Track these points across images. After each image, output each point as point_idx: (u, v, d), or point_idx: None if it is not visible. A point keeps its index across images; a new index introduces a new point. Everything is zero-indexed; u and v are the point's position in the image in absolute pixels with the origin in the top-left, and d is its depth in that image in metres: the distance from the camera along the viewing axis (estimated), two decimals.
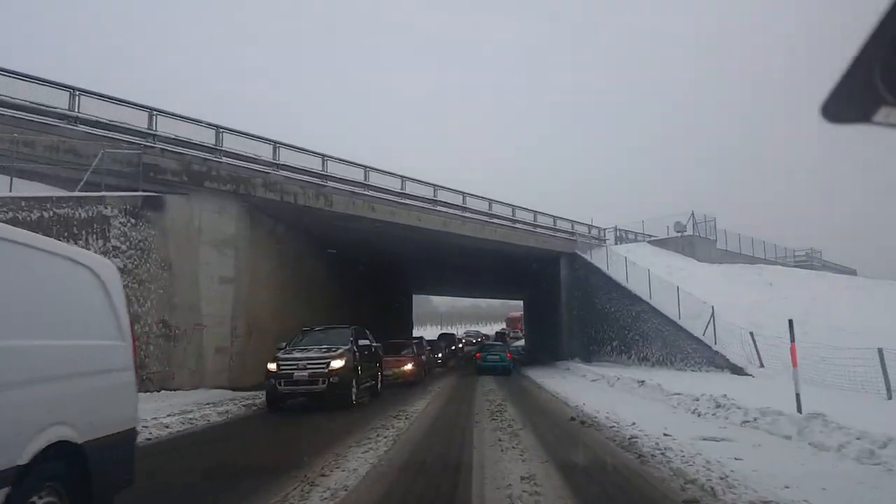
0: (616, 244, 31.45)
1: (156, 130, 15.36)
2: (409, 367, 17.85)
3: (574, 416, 10.18)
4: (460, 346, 47.41)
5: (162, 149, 15.29)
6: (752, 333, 16.50)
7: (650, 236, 34.21)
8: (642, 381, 13.65)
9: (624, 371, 19.33)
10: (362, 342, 13.25)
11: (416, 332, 46.45)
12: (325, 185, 18.95)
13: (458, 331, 75.03)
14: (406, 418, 10.13)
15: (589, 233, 31.64)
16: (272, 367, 11.81)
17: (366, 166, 20.57)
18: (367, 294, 33.41)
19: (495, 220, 25.73)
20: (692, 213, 30.84)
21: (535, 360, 34.41)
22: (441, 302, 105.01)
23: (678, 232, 31.67)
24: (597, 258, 28.11)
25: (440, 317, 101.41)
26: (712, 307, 18.40)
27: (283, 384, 11.59)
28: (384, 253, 28.19)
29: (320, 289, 24.78)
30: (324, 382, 11.52)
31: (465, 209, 24.36)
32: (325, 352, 12.05)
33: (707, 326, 18.50)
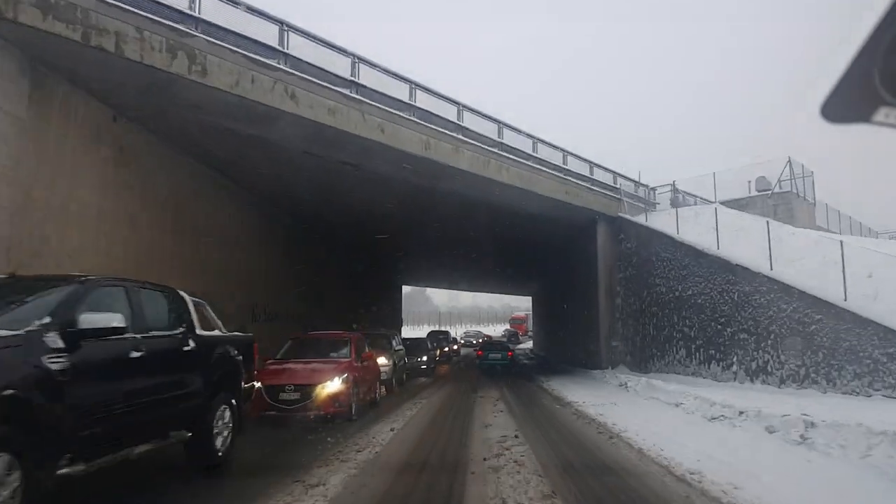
0: (672, 208, 22.23)
1: None
2: (331, 386, 8.47)
3: None
4: (455, 348, 37.34)
5: None
6: None
7: (708, 201, 24.95)
8: None
9: (752, 395, 10.31)
10: (92, 318, 4.03)
11: (408, 331, 37.57)
12: (194, 36, 9.85)
13: (458, 330, 64.85)
14: None
15: (636, 191, 22.50)
16: None
17: (283, 22, 11.48)
18: (335, 277, 24.13)
19: (507, 154, 16.58)
20: (788, 161, 21.42)
21: (555, 368, 25.21)
22: (441, 302, 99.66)
23: (760, 190, 22.53)
24: (657, 221, 19.08)
25: (439, 316, 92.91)
26: None
27: None
28: (353, 212, 19.09)
29: (239, 253, 15.60)
30: None
31: (460, 128, 15.28)
32: None
33: None
